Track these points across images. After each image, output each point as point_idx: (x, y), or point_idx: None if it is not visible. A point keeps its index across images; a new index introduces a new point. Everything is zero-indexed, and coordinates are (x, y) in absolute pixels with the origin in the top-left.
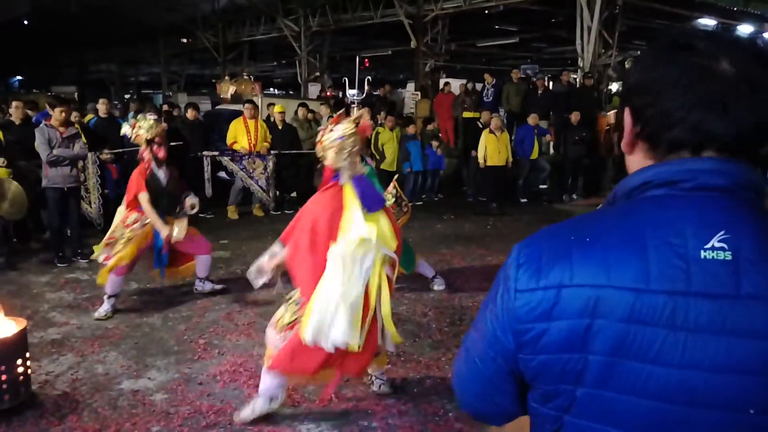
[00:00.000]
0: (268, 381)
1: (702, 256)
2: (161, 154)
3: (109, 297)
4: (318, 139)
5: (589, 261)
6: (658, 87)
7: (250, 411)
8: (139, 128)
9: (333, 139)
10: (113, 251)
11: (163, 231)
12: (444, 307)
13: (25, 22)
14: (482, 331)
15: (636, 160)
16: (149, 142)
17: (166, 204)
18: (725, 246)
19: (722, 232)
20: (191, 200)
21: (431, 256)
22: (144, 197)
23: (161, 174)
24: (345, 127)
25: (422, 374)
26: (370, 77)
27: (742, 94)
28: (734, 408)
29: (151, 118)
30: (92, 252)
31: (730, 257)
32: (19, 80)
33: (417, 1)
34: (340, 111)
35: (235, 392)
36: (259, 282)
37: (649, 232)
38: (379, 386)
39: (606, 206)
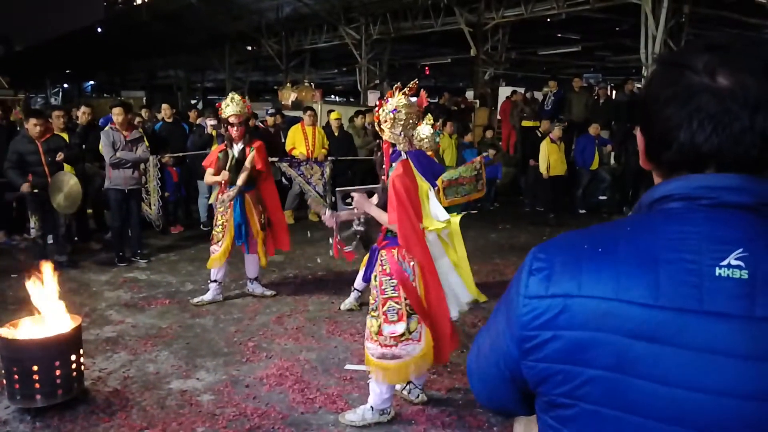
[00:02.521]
0: (377, 392)
1: (717, 274)
2: (233, 133)
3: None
4: (375, 113)
5: (599, 272)
6: (656, 106)
7: (359, 417)
8: (226, 106)
9: (387, 112)
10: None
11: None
12: None
13: (99, 30)
14: (492, 333)
15: (655, 177)
16: (224, 121)
17: (235, 179)
18: (742, 264)
19: (740, 250)
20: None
21: (484, 265)
22: (209, 172)
23: (236, 151)
24: (398, 99)
25: (467, 386)
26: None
27: (739, 110)
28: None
29: (236, 98)
30: (150, 252)
31: (746, 276)
32: (91, 85)
33: (477, 9)
34: (396, 84)
35: (281, 396)
36: (318, 208)
37: (663, 245)
38: (417, 395)
39: (631, 216)
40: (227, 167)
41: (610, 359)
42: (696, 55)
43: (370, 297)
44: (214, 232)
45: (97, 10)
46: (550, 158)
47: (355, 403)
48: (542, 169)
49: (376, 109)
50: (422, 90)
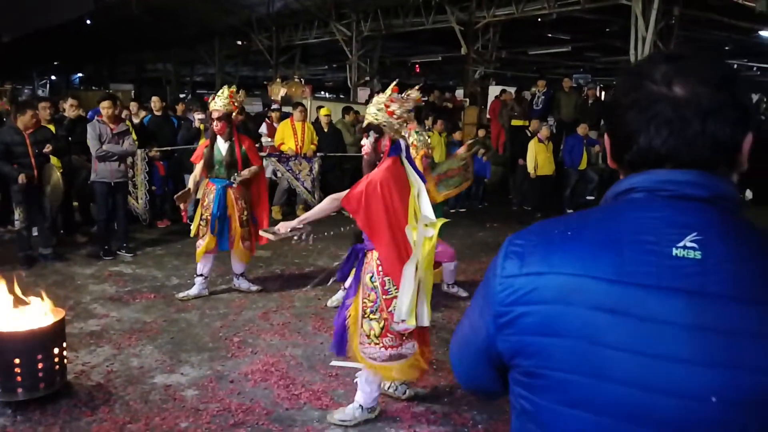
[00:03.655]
0: (368, 391)
1: (674, 254)
2: (218, 128)
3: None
4: (380, 107)
5: (569, 252)
6: (619, 112)
7: (350, 416)
8: (212, 101)
9: (404, 111)
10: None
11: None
12: None
13: (88, 22)
14: (471, 317)
15: (620, 173)
16: (210, 116)
17: (225, 173)
18: (696, 246)
19: (695, 234)
20: (246, 170)
21: (471, 263)
22: (197, 166)
23: (222, 146)
24: (415, 98)
25: (454, 383)
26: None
27: (692, 116)
28: (696, 398)
29: (224, 93)
30: (136, 246)
31: (699, 256)
32: (79, 77)
33: (469, 8)
34: (396, 81)
35: (265, 392)
36: (269, 236)
37: (626, 228)
38: (404, 391)
39: (598, 206)
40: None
41: (577, 330)
42: (655, 65)
43: (365, 300)
44: (199, 226)
45: (86, 1)
46: (537, 158)
47: (340, 400)
48: (530, 168)
49: (387, 103)
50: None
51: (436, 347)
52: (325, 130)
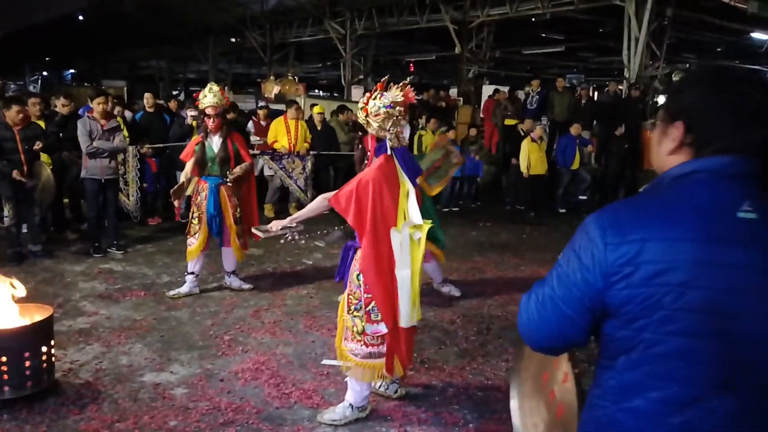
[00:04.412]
0: (357, 390)
1: (739, 216)
2: (210, 124)
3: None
4: (361, 105)
5: (666, 221)
6: (712, 111)
7: (340, 416)
8: (203, 97)
9: (380, 106)
10: (193, 232)
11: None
12: (473, 315)
13: (80, 18)
14: (567, 283)
15: (676, 159)
16: (201, 112)
17: (218, 171)
18: (752, 209)
19: (749, 201)
20: (239, 167)
21: (464, 263)
22: (189, 163)
23: (214, 143)
24: (394, 94)
25: (445, 382)
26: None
27: (762, 118)
28: (759, 316)
29: (214, 88)
30: (126, 244)
31: (755, 216)
32: (71, 73)
33: (463, 7)
34: (385, 77)
35: (256, 390)
36: (260, 234)
37: (706, 201)
38: (396, 390)
39: (657, 187)
40: (204, 158)
41: (678, 279)
42: (730, 80)
43: (351, 296)
44: (190, 224)
45: None
46: (530, 157)
47: (331, 399)
48: (523, 168)
49: (365, 101)
50: (409, 86)
51: (428, 346)
52: (319, 128)
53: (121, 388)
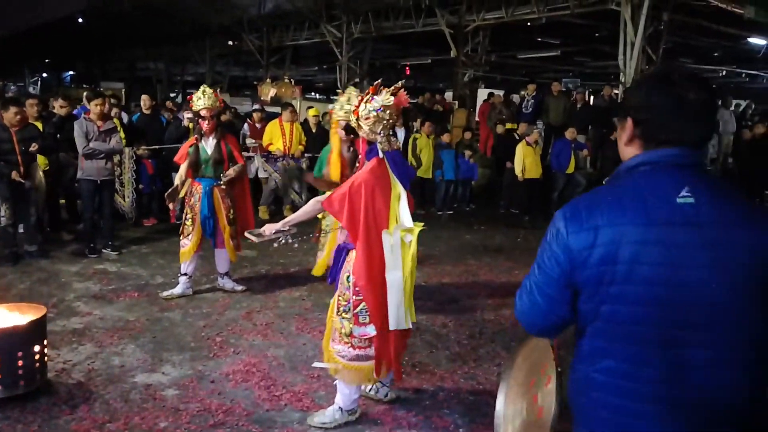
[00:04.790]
0: (346, 393)
1: (678, 201)
2: (204, 126)
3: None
4: (352, 108)
5: (614, 209)
6: (655, 108)
7: (329, 419)
8: (197, 99)
9: (371, 110)
10: (186, 233)
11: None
12: (465, 319)
13: (80, 20)
14: (545, 268)
15: (631, 151)
16: (196, 115)
17: (212, 172)
18: (689, 195)
19: (687, 188)
20: (232, 169)
21: (457, 266)
22: (183, 166)
23: (208, 145)
24: (384, 98)
25: (436, 386)
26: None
27: (703, 114)
28: (697, 285)
29: (208, 91)
30: (122, 245)
31: (693, 201)
32: (70, 75)
33: (459, 11)
34: (377, 81)
35: (246, 392)
36: (253, 238)
37: (647, 190)
38: (386, 394)
39: (613, 179)
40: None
41: (627, 257)
42: (674, 76)
43: (340, 297)
44: (183, 225)
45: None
46: (525, 161)
47: (321, 402)
48: (517, 171)
49: (356, 104)
50: (402, 89)
51: (420, 349)
52: (314, 130)
53: (112, 389)
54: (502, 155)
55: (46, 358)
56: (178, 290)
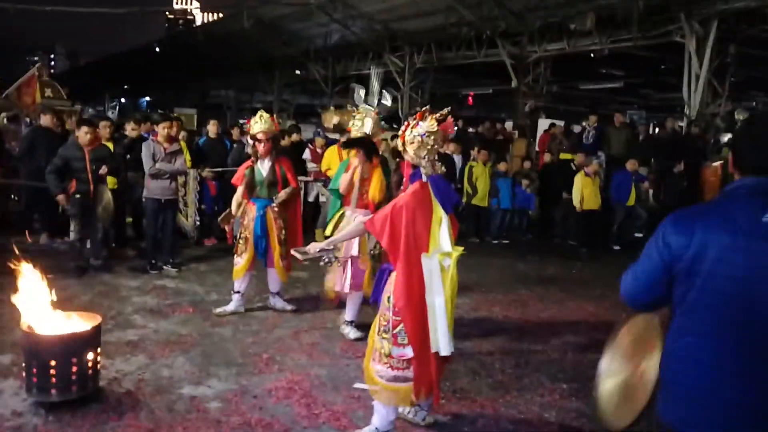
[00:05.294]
0: (383, 413)
1: (763, 220)
2: (260, 149)
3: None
4: (399, 132)
5: (709, 219)
6: (745, 144)
7: None
8: (254, 123)
9: (416, 135)
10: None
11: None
12: (511, 348)
13: (157, 49)
14: (649, 257)
15: (737, 176)
16: (252, 138)
17: (266, 193)
18: None
19: None
20: (283, 191)
21: (507, 295)
22: (239, 188)
23: (264, 167)
24: (429, 124)
25: (476, 413)
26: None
27: None
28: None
29: (265, 116)
30: (182, 262)
31: None
32: (147, 101)
33: (520, 42)
34: (426, 107)
35: (286, 409)
36: (298, 256)
37: (738, 208)
38: (424, 417)
39: (721, 195)
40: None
41: (712, 259)
42: (757, 119)
43: (381, 317)
44: (237, 244)
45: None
46: (584, 192)
47: (359, 422)
48: (575, 202)
49: (403, 129)
50: (449, 117)
51: (462, 375)
52: None
53: (159, 399)
54: (553, 184)
55: (99, 366)
56: (230, 307)
